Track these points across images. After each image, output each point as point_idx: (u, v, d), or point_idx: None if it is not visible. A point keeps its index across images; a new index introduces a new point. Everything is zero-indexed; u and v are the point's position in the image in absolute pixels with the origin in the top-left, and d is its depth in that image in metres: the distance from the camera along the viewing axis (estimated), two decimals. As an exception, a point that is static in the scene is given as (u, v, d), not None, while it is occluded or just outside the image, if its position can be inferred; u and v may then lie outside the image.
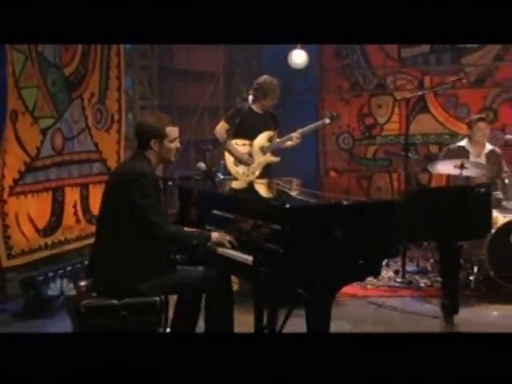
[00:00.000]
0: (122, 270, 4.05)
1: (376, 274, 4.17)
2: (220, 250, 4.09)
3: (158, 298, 4.07)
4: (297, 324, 4.18)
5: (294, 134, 6.42)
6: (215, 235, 4.15)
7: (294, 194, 4.80)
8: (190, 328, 4.50)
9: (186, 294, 4.32)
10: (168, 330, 4.50)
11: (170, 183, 4.38)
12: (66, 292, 5.16)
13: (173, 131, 4.23)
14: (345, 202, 4.15)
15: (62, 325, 5.38)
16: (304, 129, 6.58)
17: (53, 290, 5.10)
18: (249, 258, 3.86)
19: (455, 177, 6.29)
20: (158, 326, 4.17)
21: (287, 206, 3.95)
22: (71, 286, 5.19)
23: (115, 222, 4.14)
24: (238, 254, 3.99)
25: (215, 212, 4.58)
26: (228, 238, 4.16)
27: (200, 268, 4.18)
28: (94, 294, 4.14)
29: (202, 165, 5.38)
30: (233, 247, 4.10)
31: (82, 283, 4.41)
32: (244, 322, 4.52)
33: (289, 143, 6.44)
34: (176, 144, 4.27)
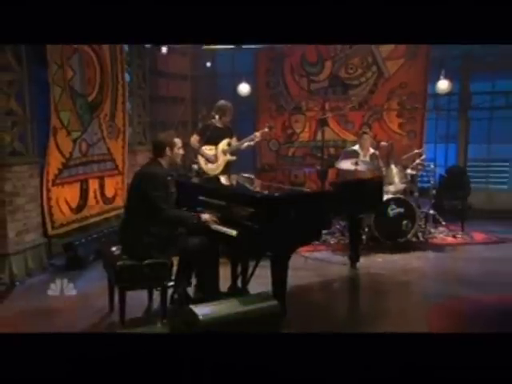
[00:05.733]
0: (142, 241, 4.01)
1: (318, 239, 4.22)
2: (213, 227, 4.05)
3: (167, 260, 4.07)
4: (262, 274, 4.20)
5: (247, 139, 6.39)
6: (203, 216, 4.10)
7: (256, 186, 4.75)
8: (187, 279, 4.47)
9: (186, 256, 4.26)
10: (172, 277, 4.47)
11: (169, 178, 4.27)
12: (65, 291, 4.74)
13: (178, 142, 4.22)
14: (296, 192, 4.19)
15: (92, 274, 5.35)
16: (251, 136, 6.50)
17: (53, 290, 4.73)
18: (233, 232, 3.86)
19: (346, 171, 6.33)
20: (167, 279, 4.15)
21: (259, 196, 3.96)
22: (71, 285, 4.76)
23: (137, 208, 4.10)
24: (224, 229, 3.96)
25: (202, 198, 4.52)
26: (208, 217, 4.08)
27: (196, 238, 4.09)
28: (125, 257, 4.08)
29: (195, 166, 5.38)
30: (221, 223, 4.04)
31: (114, 248, 4.27)
32: (222, 274, 4.42)
33: (245, 145, 6.41)
34: (181, 151, 4.23)
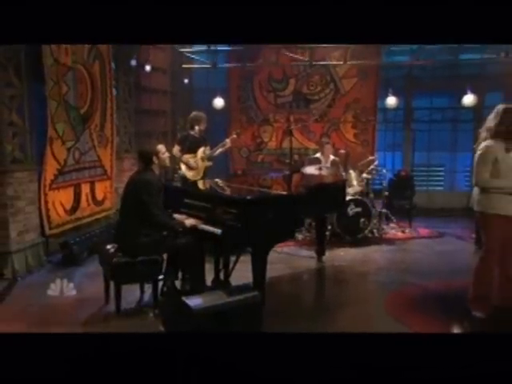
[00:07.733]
0: (135, 240, 3.97)
1: (292, 237, 4.23)
2: (200, 227, 4.02)
3: (158, 257, 4.05)
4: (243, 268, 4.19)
5: (220, 145, 6.39)
6: (187, 222, 4.07)
7: (227, 190, 4.70)
8: (174, 273, 4.40)
9: (174, 254, 4.20)
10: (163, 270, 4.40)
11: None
12: (65, 292, 4.40)
13: (161, 147, 4.21)
14: (273, 195, 4.19)
15: (87, 270, 5.26)
16: (223, 142, 6.44)
17: (53, 290, 4.44)
18: (218, 231, 3.84)
19: (311, 175, 6.26)
20: (158, 273, 4.12)
21: (239, 198, 3.95)
22: (71, 285, 4.43)
23: (131, 210, 4.05)
24: (212, 228, 3.93)
25: (187, 201, 4.49)
26: (193, 222, 4.05)
27: (183, 238, 4.04)
28: (120, 254, 4.03)
29: (181, 172, 5.32)
30: (206, 223, 4.01)
31: (109, 246, 4.21)
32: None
33: (218, 151, 6.39)
34: (166, 154, 4.21)
